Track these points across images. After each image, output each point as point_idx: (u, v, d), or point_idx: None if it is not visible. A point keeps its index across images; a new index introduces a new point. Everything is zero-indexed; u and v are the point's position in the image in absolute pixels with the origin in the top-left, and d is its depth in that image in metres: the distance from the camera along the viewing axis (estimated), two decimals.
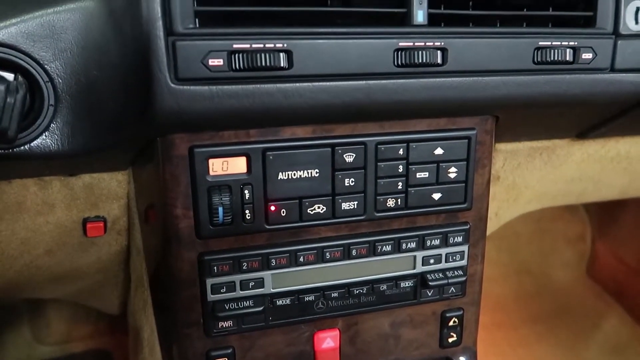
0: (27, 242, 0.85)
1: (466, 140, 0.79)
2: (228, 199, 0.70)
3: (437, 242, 0.82)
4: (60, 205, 0.81)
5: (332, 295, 0.79)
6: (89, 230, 0.84)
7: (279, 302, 0.77)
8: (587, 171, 1.11)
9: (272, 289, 0.76)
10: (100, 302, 1.22)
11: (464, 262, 0.84)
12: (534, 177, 1.06)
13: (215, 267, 0.73)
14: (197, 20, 0.61)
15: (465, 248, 0.84)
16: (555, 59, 0.73)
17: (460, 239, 0.83)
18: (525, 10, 0.74)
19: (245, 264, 0.74)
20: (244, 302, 0.75)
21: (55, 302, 1.52)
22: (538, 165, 1.03)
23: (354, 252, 0.78)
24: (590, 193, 1.21)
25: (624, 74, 0.78)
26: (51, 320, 1.56)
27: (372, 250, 0.79)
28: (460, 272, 0.84)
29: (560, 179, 1.10)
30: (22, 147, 0.62)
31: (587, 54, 0.75)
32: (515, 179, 1.05)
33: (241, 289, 0.75)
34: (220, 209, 0.70)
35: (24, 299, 1.53)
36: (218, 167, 0.70)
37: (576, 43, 0.74)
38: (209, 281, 0.73)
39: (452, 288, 0.85)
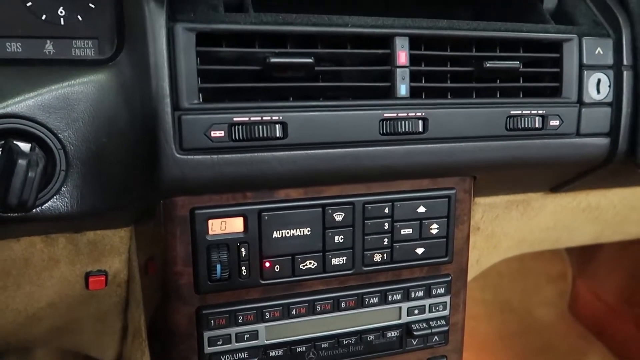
0: (31, 295, 0.88)
1: (446, 199, 0.85)
2: (226, 256, 0.75)
3: (421, 293, 0.87)
4: (64, 261, 0.85)
5: (323, 345, 0.83)
6: (91, 284, 0.88)
7: (272, 353, 0.81)
8: (561, 220, 1.18)
9: (266, 340, 0.80)
10: (96, 351, 1.24)
11: (446, 312, 0.89)
12: (511, 227, 1.13)
13: (212, 321, 0.77)
14: (200, 95, 0.67)
15: (447, 299, 0.89)
16: (526, 126, 0.81)
17: (442, 290, 0.88)
18: (498, 81, 0.82)
19: (240, 317, 0.78)
20: (239, 354, 0.79)
21: (44, 348, 1.51)
22: (515, 216, 1.10)
23: (343, 305, 0.83)
24: (565, 240, 1.28)
25: (588, 138, 0.86)
26: None
27: (360, 302, 0.84)
28: (443, 322, 0.89)
29: (536, 228, 1.17)
30: (33, 210, 0.66)
31: (554, 121, 0.83)
32: (494, 229, 1.11)
33: (236, 341, 0.78)
34: (219, 266, 0.75)
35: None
36: (217, 227, 0.75)
37: (544, 111, 0.82)
38: (206, 334, 0.77)
39: (436, 337, 0.90)
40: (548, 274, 2.26)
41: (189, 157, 0.67)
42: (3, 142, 0.62)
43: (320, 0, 0.90)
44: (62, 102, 0.65)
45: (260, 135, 0.68)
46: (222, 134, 0.67)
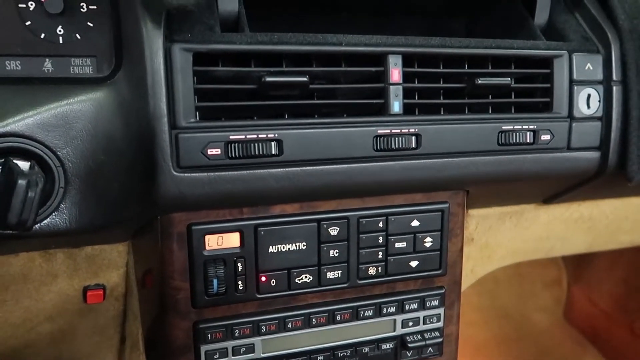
0: (30, 310, 0.89)
1: (440, 213, 0.86)
2: (222, 271, 0.76)
3: (415, 305, 0.88)
4: (63, 276, 0.86)
5: (318, 358, 0.84)
6: (89, 298, 0.89)
7: None
8: (554, 231, 1.19)
9: (262, 353, 0.81)
10: None
11: (440, 324, 0.91)
12: (505, 238, 1.14)
13: (209, 335, 0.78)
14: (197, 114, 0.69)
15: (441, 311, 0.90)
16: (517, 141, 0.82)
17: (436, 303, 0.90)
18: (490, 97, 0.83)
19: (237, 331, 0.79)
20: None
21: None
22: (508, 227, 1.12)
23: (338, 318, 0.84)
24: (559, 249, 1.30)
25: (579, 152, 0.87)
26: None
27: (355, 315, 0.85)
28: (437, 334, 0.90)
29: (529, 238, 1.18)
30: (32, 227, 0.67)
31: (545, 136, 0.84)
32: (487, 239, 1.13)
33: (233, 355, 0.79)
34: (215, 281, 0.76)
35: None
36: (214, 242, 0.76)
37: (535, 126, 0.83)
38: (203, 348, 0.78)
39: (430, 348, 0.91)
40: (544, 280, 2.28)
41: (186, 174, 0.68)
42: (3, 160, 0.63)
43: (315, 16, 0.92)
44: (61, 120, 0.65)
45: (256, 152, 0.70)
46: (219, 152, 0.69)
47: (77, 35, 0.70)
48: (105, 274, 0.90)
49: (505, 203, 1.06)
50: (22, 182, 0.59)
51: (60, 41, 0.70)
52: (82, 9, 0.70)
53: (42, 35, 0.69)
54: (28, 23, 0.68)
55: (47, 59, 0.70)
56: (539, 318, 2.23)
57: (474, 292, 2.20)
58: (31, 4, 0.69)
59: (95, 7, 0.71)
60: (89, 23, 0.70)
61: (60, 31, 0.70)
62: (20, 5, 0.68)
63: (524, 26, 0.92)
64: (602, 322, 2.08)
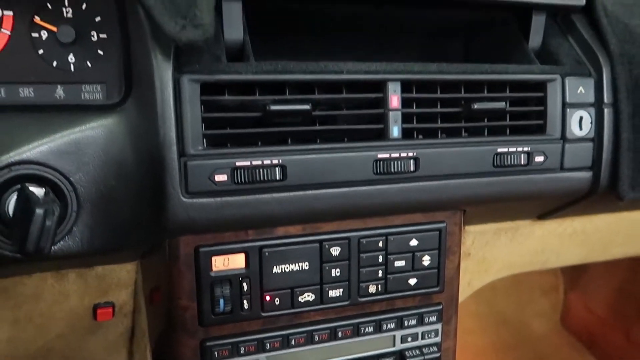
0: (42, 327, 0.92)
1: (437, 232, 0.89)
2: (228, 291, 0.79)
3: (413, 322, 0.91)
4: (74, 295, 0.89)
5: None
6: (99, 316, 0.91)
7: None
8: (549, 245, 1.22)
9: None
10: None
11: (438, 339, 0.93)
12: (501, 252, 1.17)
13: (216, 352, 0.81)
14: (204, 141, 0.71)
15: (439, 326, 0.93)
16: (512, 162, 0.85)
17: (434, 319, 0.93)
18: (486, 120, 0.86)
19: (243, 348, 0.82)
20: None
21: None
22: (504, 242, 1.15)
23: (339, 334, 0.87)
24: (554, 261, 1.33)
25: (572, 173, 0.90)
26: None
27: (356, 332, 0.88)
28: (435, 349, 0.93)
29: (525, 252, 1.21)
30: None
31: (539, 157, 0.87)
32: (484, 254, 1.15)
33: None
34: (222, 300, 0.78)
35: None
36: (220, 263, 0.78)
37: (529, 148, 0.86)
38: None
39: None
40: (541, 287, 2.30)
41: (195, 200, 0.71)
42: (19, 186, 0.65)
43: (316, 37, 0.95)
44: (74, 147, 0.68)
45: (261, 178, 0.72)
46: (225, 178, 0.71)
47: (88, 63, 0.73)
48: (114, 292, 0.92)
49: (501, 220, 1.09)
50: (39, 211, 0.61)
51: (72, 69, 0.72)
52: (92, 38, 0.73)
53: (54, 64, 0.72)
54: (41, 52, 0.71)
55: (59, 86, 0.72)
56: (536, 324, 2.25)
57: (472, 300, 2.21)
58: (44, 33, 0.72)
59: (105, 36, 0.73)
60: (99, 51, 0.73)
61: (71, 59, 0.72)
62: (33, 35, 0.71)
63: (519, 49, 0.95)
64: (599, 329, 2.10)
